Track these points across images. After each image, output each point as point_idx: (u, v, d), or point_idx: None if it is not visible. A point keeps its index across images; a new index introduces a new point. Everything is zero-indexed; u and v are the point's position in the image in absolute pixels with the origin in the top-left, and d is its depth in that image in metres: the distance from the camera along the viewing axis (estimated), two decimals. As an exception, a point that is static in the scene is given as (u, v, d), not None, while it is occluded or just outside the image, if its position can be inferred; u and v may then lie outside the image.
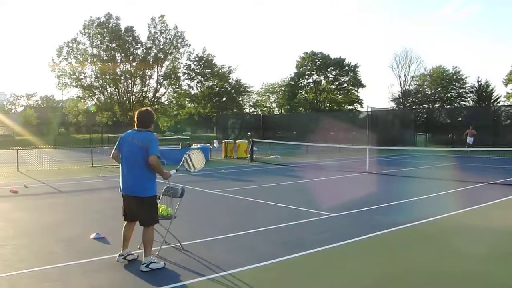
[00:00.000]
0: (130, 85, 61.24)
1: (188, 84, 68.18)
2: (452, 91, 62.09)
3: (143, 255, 5.87)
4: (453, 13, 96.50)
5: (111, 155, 6.16)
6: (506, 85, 57.07)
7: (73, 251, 6.68)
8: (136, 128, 5.99)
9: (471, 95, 61.23)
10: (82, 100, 62.09)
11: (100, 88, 60.39)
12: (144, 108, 6.20)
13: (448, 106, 57.93)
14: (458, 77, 61.64)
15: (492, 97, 59.21)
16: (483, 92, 59.39)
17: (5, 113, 61.94)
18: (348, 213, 9.47)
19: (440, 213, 9.31)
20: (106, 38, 57.85)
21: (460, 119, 39.97)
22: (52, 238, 7.46)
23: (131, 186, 5.86)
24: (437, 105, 60.26)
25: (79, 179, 15.96)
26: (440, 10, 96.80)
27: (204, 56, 66.83)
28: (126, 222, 6.15)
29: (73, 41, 57.98)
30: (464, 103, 60.83)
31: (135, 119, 6.02)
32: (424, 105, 60.01)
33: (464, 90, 61.90)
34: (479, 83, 59.67)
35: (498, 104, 54.50)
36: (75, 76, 58.52)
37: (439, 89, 61.71)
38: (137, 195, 5.83)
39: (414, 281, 5.43)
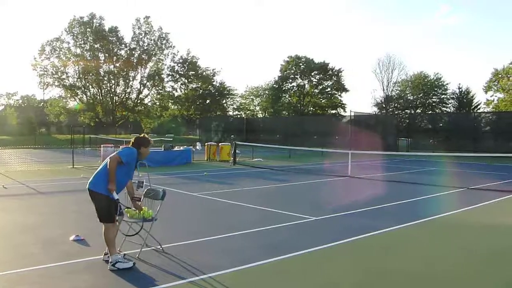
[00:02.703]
0: (113, 86, 60.87)
1: (172, 86, 68.02)
2: (434, 97, 62.90)
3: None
4: (436, 22, 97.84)
5: None
6: (486, 92, 58.01)
7: (53, 253, 6.62)
8: None
9: (452, 101, 62.11)
10: (64, 100, 61.49)
11: (83, 88, 59.91)
12: (141, 135, 6.73)
13: (430, 112, 58.64)
14: (440, 83, 62.47)
15: (473, 104, 60.14)
16: (464, 99, 60.28)
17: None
18: (329, 216, 9.53)
19: (421, 217, 9.44)
20: (90, 38, 57.43)
21: (441, 125, 40.52)
22: (31, 239, 7.37)
23: (92, 181, 6.11)
24: (419, 111, 60.96)
25: (60, 180, 15.78)
26: (424, 18, 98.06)
27: (189, 58, 66.68)
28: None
29: (56, 40, 57.44)
30: (445, 109, 61.68)
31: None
32: (406, 111, 60.64)
33: (446, 96, 62.78)
34: (460, 90, 60.61)
35: (478, 111, 55.38)
36: (57, 76, 57.96)
37: (421, 95, 62.44)
38: (94, 189, 6.04)
39: (394, 283, 5.49)
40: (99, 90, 60.25)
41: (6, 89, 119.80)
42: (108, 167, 5.96)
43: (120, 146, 5.94)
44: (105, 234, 6.00)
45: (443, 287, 5.50)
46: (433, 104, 62.68)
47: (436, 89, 62.58)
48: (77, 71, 58.59)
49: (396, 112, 59.60)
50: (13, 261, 6.19)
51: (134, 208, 6.35)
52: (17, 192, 12.94)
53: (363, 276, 5.79)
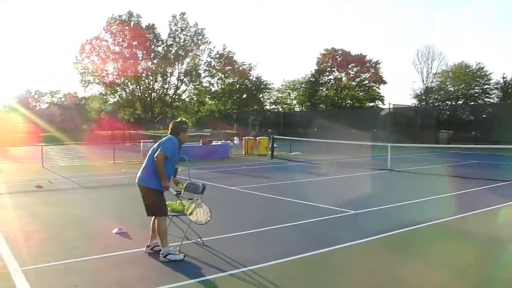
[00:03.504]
0: (151, 82, 61.83)
1: (209, 81, 68.37)
2: (476, 88, 60.91)
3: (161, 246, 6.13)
4: (478, 8, 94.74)
5: None
6: (533, 80, 55.80)
7: (97, 245, 6.80)
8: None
9: (496, 91, 59.98)
10: (105, 97, 62.86)
11: (122, 85, 61.09)
12: (178, 119, 6.70)
13: (472, 103, 56.91)
14: (482, 73, 60.48)
15: (519, 93, 57.90)
16: (509, 89, 58.11)
17: (30, 110, 63.01)
18: (368, 210, 9.42)
19: (463, 211, 9.21)
20: (128, 35, 58.43)
21: (484, 116, 39.36)
22: (76, 232, 7.61)
23: (140, 176, 6.26)
24: (460, 102, 59.28)
25: (102, 175, 16.19)
26: (464, 5, 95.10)
27: (225, 53, 66.87)
28: None
29: (96, 39, 58.77)
30: (488, 99, 59.66)
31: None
32: (447, 102, 59.09)
33: (489, 86, 60.68)
34: (504, 79, 58.40)
35: (525, 101, 53.30)
36: (97, 74, 59.29)
37: (462, 85, 60.59)
38: (142, 184, 6.21)
39: (436, 279, 5.39)
40: (138, 87, 61.32)
41: (50, 87, 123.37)
42: (156, 164, 6.02)
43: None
44: (158, 226, 6.13)
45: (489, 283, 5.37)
46: (475, 95, 60.73)
47: (478, 79, 60.60)
48: (116, 69, 59.79)
49: (436, 104, 58.13)
50: (60, 253, 6.39)
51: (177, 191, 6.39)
52: (62, 186, 13.36)
53: (405, 270, 5.71)
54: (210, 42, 63.53)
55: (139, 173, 6.28)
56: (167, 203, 6.54)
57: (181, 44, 61.30)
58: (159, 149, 6.10)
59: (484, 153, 25.60)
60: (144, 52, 59.49)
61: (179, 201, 6.63)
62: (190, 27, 61.60)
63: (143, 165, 6.32)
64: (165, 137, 6.34)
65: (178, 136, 6.34)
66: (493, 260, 6.20)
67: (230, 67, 67.23)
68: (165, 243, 6.08)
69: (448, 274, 5.53)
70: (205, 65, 65.94)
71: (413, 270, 5.69)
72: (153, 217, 6.34)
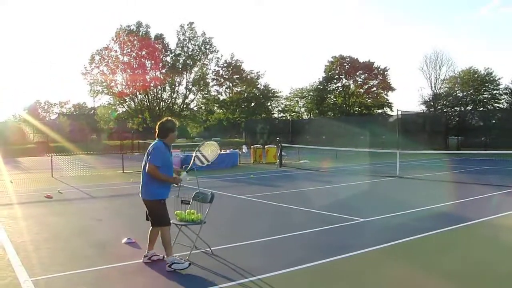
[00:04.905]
0: (159, 92, 62.11)
1: (217, 90, 68.61)
2: (485, 93, 60.56)
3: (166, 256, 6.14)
4: (485, 14, 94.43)
5: None
6: (544, 85, 55.35)
7: (106, 255, 6.83)
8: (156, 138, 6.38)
9: (506, 96, 59.55)
10: (113, 107, 63.20)
11: (131, 95, 61.42)
12: (164, 119, 6.53)
13: (481, 109, 56.53)
14: (491, 79, 60.13)
15: (529, 99, 57.41)
16: (518, 94, 57.69)
17: (39, 120, 63.51)
18: (377, 218, 9.37)
19: (473, 219, 9.12)
20: (137, 45, 58.82)
21: (493, 121, 39.10)
22: (86, 242, 7.64)
23: (141, 190, 6.28)
24: (469, 108, 58.91)
25: (111, 185, 16.25)
26: (472, 11, 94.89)
27: (233, 61, 67.14)
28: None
29: (105, 49, 59.22)
30: (498, 105, 59.27)
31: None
32: (455, 108, 58.77)
33: (498, 92, 60.31)
34: (514, 84, 58.02)
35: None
36: (106, 84, 59.67)
37: (471, 91, 60.26)
38: (144, 198, 6.23)
39: (450, 286, 5.34)
40: (146, 96, 61.65)
41: (60, 97, 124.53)
42: (152, 176, 6.01)
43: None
44: (162, 236, 6.14)
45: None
46: (485, 100, 60.35)
47: (487, 84, 60.28)
48: (125, 79, 60.17)
49: (445, 110, 57.85)
50: (70, 262, 6.43)
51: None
52: (71, 196, 13.43)
53: (416, 279, 5.66)
54: (218, 51, 63.83)
55: (140, 187, 6.31)
56: (175, 212, 6.57)
57: (189, 53, 61.58)
58: (149, 162, 6.03)
59: (495, 159, 25.40)
60: (153, 62, 59.84)
61: (187, 210, 6.64)
62: (198, 36, 61.93)
63: (141, 178, 6.30)
64: (151, 145, 6.25)
65: (166, 137, 6.26)
66: (509, 266, 6.14)
67: (238, 76, 67.46)
68: (170, 253, 6.08)
69: (463, 282, 5.49)
70: (213, 74, 66.23)
71: (426, 278, 5.64)
72: (151, 227, 6.39)
